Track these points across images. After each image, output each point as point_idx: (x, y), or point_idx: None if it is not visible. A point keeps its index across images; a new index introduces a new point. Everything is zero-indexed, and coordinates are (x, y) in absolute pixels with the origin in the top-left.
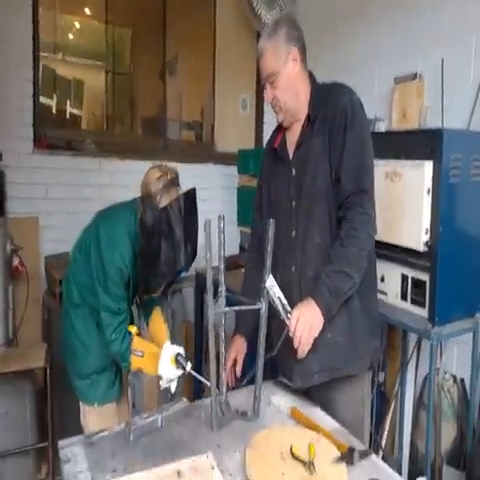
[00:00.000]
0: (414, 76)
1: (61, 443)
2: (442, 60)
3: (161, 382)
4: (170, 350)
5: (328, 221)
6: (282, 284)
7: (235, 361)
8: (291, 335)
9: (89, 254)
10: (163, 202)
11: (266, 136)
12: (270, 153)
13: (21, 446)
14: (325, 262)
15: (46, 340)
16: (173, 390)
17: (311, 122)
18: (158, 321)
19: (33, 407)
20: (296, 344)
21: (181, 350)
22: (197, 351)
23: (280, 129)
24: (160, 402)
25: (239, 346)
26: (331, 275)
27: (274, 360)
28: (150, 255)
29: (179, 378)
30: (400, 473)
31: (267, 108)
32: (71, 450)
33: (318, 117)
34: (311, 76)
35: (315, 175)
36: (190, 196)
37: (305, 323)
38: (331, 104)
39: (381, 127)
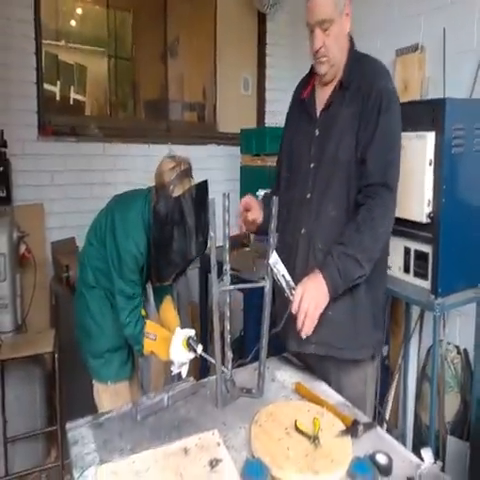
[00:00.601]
0: (415, 48)
1: (69, 425)
2: (444, 30)
3: (173, 367)
4: (182, 334)
5: (346, 196)
6: (289, 244)
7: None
8: (294, 312)
9: (104, 240)
10: (176, 192)
11: (268, 115)
12: (296, 105)
13: (31, 430)
14: (336, 237)
15: (54, 325)
16: (184, 375)
17: (344, 87)
18: (169, 309)
19: (42, 392)
20: (300, 321)
21: (192, 333)
22: (203, 331)
23: (309, 81)
24: (167, 382)
25: (252, 198)
26: (342, 257)
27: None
28: (162, 243)
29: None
30: (404, 444)
31: (269, 86)
32: (79, 432)
33: (351, 85)
34: (351, 39)
35: (339, 144)
36: (202, 187)
37: (310, 299)
38: (367, 78)
39: None
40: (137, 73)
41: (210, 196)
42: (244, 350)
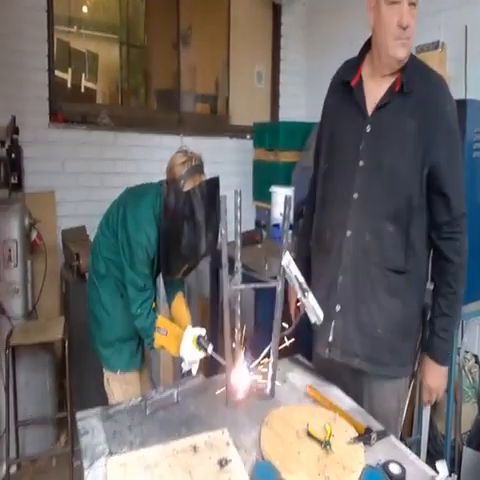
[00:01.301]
0: (436, 45)
1: (79, 415)
2: (465, 27)
3: (183, 364)
4: (192, 332)
5: (405, 214)
6: (329, 241)
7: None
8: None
9: (116, 231)
10: (187, 187)
11: (282, 110)
12: (339, 90)
13: (41, 416)
14: (395, 255)
15: (64, 312)
16: (194, 373)
17: (405, 92)
18: (180, 306)
19: (52, 378)
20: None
21: (203, 332)
22: (213, 326)
23: (358, 68)
24: (176, 375)
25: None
26: (446, 326)
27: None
28: (172, 237)
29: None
30: (418, 453)
31: (282, 80)
32: (89, 422)
33: (413, 93)
34: None
35: (400, 156)
36: (213, 184)
37: (434, 393)
38: (433, 95)
39: None
40: (149, 61)
41: (222, 190)
42: (255, 347)
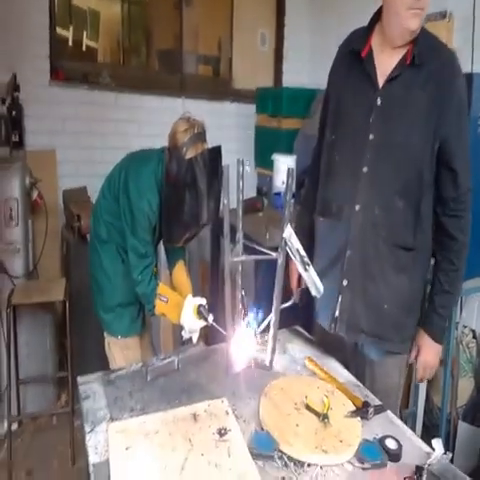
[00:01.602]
0: (443, 15)
1: (80, 379)
2: None
3: (183, 332)
4: (193, 302)
5: (417, 189)
6: (336, 214)
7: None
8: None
9: (117, 196)
10: (189, 154)
11: (286, 74)
12: (347, 59)
13: (42, 375)
14: (404, 230)
15: (65, 273)
16: (195, 341)
17: (416, 65)
18: (181, 274)
19: (53, 338)
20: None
21: (203, 302)
22: (213, 291)
23: (367, 39)
24: (175, 342)
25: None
26: (446, 303)
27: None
28: (173, 205)
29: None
30: (414, 426)
31: (287, 44)
32: (90, 387)
33: (424, 65)
34: None
35: (412, 128)
36: (215, 152)
37: (430, 370)
38: (446, 69)
39: None
40: (150, 20)
41: (223, 155)
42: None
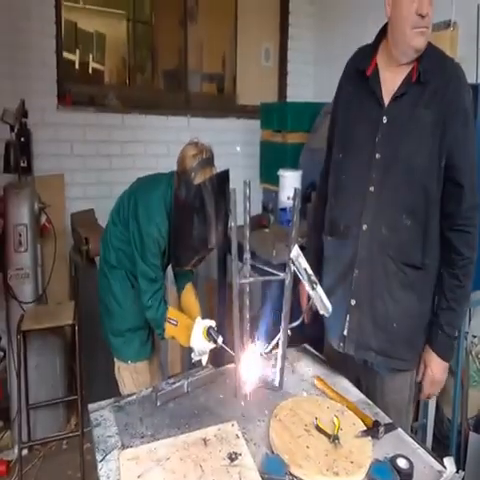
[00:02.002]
0: (447, 24)
1: (91, 407)
2: (478, 6)
3: (193, 355)
4: (202, 324)
5: (423, 208)
6: (344, 234)
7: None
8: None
9: (127, 222)
10: (197, 179)
11: (290, 88)
12: (353, 78)
13: (52, 398)
14: (411, 249)
15: (73, 296)
16: (204, 363)
17: (422, 82)
18: (190, 296)
19: (62, 361)
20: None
21: (213, 324)
22: (220, 309)
23: (372, 57)
24: (184, 365)
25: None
26: (451, 321)
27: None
28: (182, 229)
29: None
30: (425, 438)
31: (291, 58)
32: (101, 414)
33: (431, 83)
34: None
35: (418, 148)
36: (223, 177)
37: (437, 386)
38: (450, 86)
39: None
40: (155, 38)
41: (229, 168)
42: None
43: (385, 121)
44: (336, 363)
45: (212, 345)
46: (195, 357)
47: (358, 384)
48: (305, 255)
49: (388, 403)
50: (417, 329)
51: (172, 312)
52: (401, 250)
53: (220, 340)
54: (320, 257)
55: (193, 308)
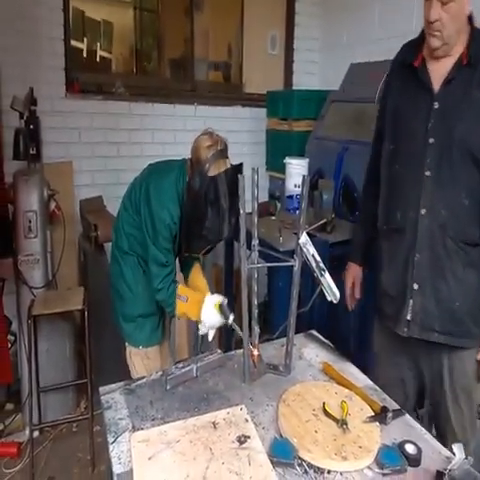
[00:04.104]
0: None
1: (102, 390)
2: None
3: (200, 326)
4: (214, 298)
5: (479, 186)
6: (401, 223)
7: (353, 284)
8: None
9: (139, 208)
10: (212, 172)
11: (296, 76)
12: (401, 70)
13: (61, 382)
14: (471, 228)
15: (82, 282)
16: (210, 338)
17: (471, 65)
18: (198, 275)
19: (72, 346)
20: None
21: (225, 300)
22: (227, 294)
23: (419, 49)
24: (190, 350)
25: (354, 271)
26: None
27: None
28: (195, 219)
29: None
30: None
31: (297, 46)
32: (112, 396)
33: (479, 64)
34: (471, 19)
35: (471, 128)
36: (237, 170)
37: None
38: None
39: None
40: (162, 27)
41: (236, 159)
42: (269, 320)
43: (437, 106)
44: (390, 350)
45: (222, 320)
46: (202, 329)
47: (417, 370)
48: (353, 247)
49: (457, 386)
50: (477, 305)
51: (182, 289)
52: (460, 229)
53: (231, 317)
54: (370, 248)
55: (201, 286)
